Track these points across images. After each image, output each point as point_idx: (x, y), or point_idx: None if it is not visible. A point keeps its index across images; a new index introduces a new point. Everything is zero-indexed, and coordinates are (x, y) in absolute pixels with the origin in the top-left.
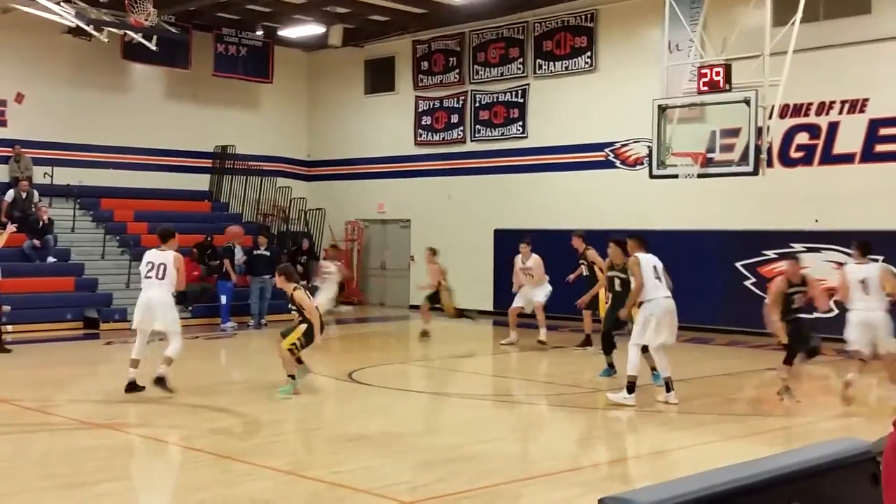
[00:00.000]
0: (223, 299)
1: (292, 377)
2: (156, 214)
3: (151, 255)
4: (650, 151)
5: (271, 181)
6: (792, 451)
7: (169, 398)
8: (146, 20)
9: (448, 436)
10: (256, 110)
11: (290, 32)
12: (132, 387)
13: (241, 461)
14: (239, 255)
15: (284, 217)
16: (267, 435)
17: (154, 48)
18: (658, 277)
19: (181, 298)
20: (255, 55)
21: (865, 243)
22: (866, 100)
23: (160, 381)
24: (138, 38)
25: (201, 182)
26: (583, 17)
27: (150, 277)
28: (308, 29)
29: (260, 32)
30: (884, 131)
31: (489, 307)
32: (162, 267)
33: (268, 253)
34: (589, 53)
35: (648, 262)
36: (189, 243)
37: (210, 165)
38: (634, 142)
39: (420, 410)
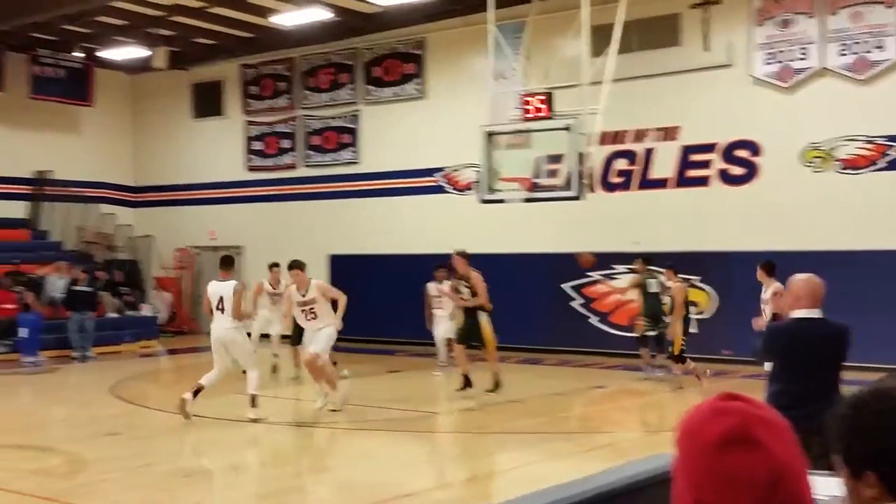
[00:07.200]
0: (24, 332)
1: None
2: None
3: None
4: (479, 177)
5: (94, 208)
6: (611, 469)
7: None
8: None
9: (281, 466)
10: (77, 134)
11: (112, 54)
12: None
13: (64, 502)
14: (58, 288)
15: (109, 245)
16: (93, 473)
17: None
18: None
19: None
20: (75, 77)
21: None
22: (678, 127)
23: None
24: None
25: (18, 209)
26: (411, 44)
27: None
28: (130, 51)
29: (79, 54)
30: (694, 157)
31: None
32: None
33: (89, 289)
34: (418, 80)
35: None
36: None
37: (28, 192)
38: (464, 167)
39: (253, 442)
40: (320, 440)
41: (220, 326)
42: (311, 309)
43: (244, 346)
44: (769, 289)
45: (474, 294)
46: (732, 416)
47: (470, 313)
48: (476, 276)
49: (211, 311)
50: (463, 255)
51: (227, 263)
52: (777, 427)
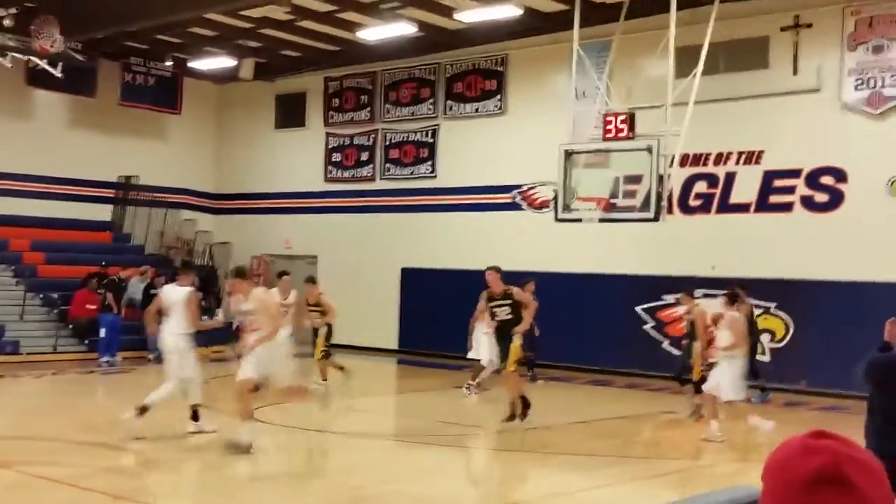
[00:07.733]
0: (102, 332)
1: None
2: (54, 244)
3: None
4: (556, 195)
5: (176, 213)
6: (687, 499)
7: (60, 437)
8: (52, 47)
9: (349, 476)
10: (163, 141)
11: (201, 64)
12: None
13: (137, 501)
14: (138, 290)
15: (189, 250)
16: (163, 474)
17: (59, 75)
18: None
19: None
20: (164, 85)
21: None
22: (762, 152)
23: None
24: (43, 64)
25: (103, 212)
26: (493, 61)
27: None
28: (219, 61)
29: (169, 63)
30: (777, 183)
31: (394, 346)
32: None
33: None
34: (498, 97)
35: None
36: (83, 274)
37: (113, 195)
38: (541, 185)
39: (322, 450)
40: (383, 453)
41: (168, 332)
42: (253, 320)
43: (187, 356)
44: (723, 318)
45: (515, 313)
46: (823, 455)
47: (506, 336)
48: (522, 295)
49: (159, 314)
50: (497, 270)
51: (187, 269)
52: (869, 467)
